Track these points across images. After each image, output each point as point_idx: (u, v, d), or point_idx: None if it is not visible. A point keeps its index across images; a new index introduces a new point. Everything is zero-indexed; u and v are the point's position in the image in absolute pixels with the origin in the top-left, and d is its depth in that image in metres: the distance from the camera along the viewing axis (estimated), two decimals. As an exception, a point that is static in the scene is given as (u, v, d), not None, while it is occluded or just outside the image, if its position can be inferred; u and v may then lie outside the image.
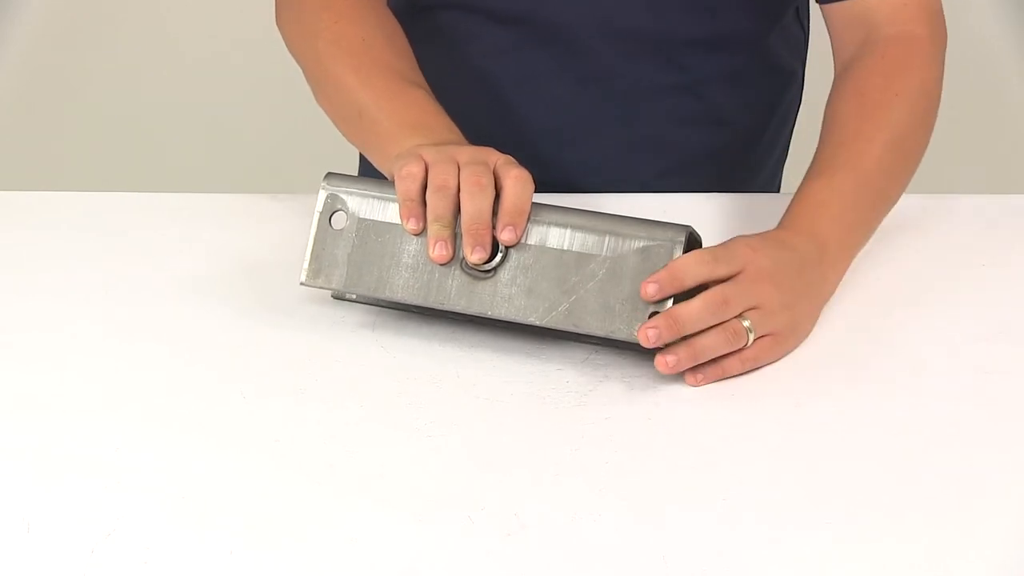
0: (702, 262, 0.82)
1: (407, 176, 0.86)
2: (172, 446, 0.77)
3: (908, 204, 1.03)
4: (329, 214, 0.89)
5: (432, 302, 0.86)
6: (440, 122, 0.95)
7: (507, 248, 0.85)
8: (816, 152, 0.96)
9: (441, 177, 0.86)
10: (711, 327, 0.81)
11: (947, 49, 1.05)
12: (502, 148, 0.89)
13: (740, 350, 0.83)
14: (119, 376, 0.85)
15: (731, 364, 0.83)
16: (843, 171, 0.93)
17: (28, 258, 1.01)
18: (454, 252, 0.85)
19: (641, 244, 0.83)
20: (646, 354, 0.83)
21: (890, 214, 0.98)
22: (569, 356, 0.86)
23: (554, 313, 0.84)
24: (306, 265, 0.89)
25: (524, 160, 1.16)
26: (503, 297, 0.85)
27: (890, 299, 0.93)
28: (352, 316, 0.91)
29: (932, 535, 0.69)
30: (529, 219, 0.85)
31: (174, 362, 0.86)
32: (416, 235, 0.86)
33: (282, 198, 1.10)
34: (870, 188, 0.93)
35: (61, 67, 2.27)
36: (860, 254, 0.95)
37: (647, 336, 0.80)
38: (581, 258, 0.84)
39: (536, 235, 0.85)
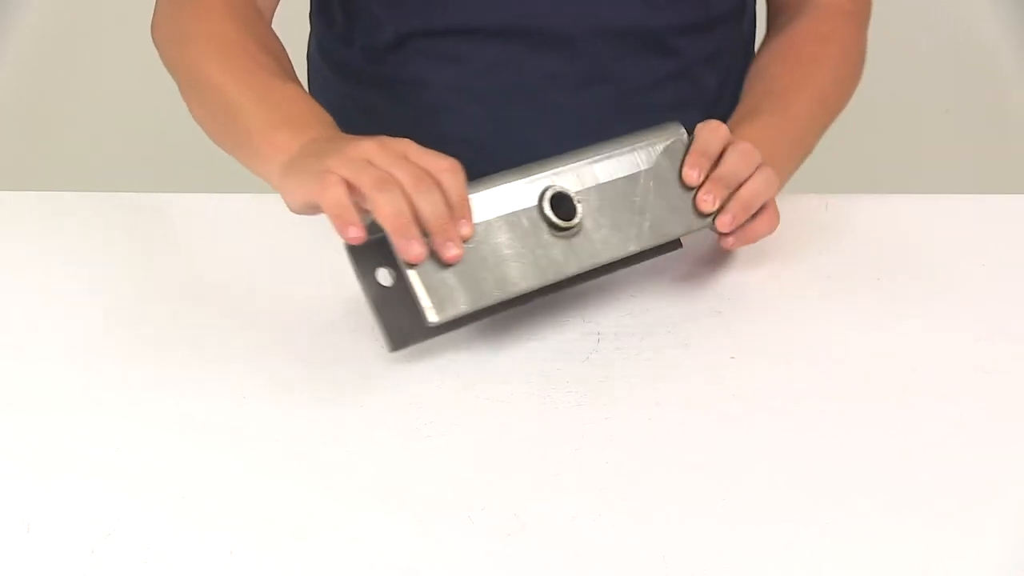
0: (714, 129, 0.92)
1: (331, 184, 0.80)
2: (172, 446, 0.77)
3: (909, 204, 1.03)
4: (373, 271, 0.85)
5: (551, 277, 0.85)
6: (313, 117, 0.92)
7: (578, 201, 0.87)
8: (742, 99, 1.05)
9: (377, 176, 0.80)
10: (749, 177, 0.90)
11: (947, 49, 1.06)
12: (508, 163, 0.89)
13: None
14: (119, 376, 0.85)
15: (760, 227, 0.93)
16: (767, 116, 1.00)
17: (28, 258, 1.01)
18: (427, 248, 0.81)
19: (660, 146, 0.91)
20: (646, 353, 0.83)
21: (891, 214, 0.98)
22: (569, 356, 0.86)
23: (641, 234, 0.88)
24: (429, 304, 0.80)
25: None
26: (599, 241, 0.87)
27: (890, 299, 0.94)
28: (351, 317, 0.91)
29: (932, 535, 0.69)
30: (563, 170, 0.88)
31: (174, 362, 0.86)
32: (358, 243, 0.80)
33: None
34: (791, 135, 1.02)
35: (61, 67, 2.27)
36: (861, 254, 0.95)
37: (705, 201, 0.89)
38: (629, 180, 0.89)
39: (585, 178, 0.88)
